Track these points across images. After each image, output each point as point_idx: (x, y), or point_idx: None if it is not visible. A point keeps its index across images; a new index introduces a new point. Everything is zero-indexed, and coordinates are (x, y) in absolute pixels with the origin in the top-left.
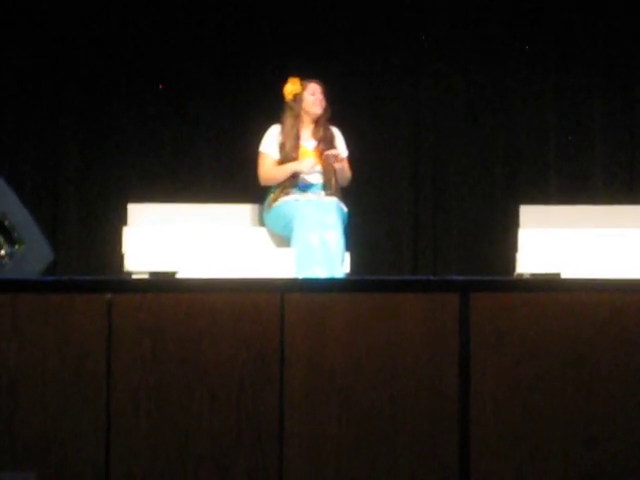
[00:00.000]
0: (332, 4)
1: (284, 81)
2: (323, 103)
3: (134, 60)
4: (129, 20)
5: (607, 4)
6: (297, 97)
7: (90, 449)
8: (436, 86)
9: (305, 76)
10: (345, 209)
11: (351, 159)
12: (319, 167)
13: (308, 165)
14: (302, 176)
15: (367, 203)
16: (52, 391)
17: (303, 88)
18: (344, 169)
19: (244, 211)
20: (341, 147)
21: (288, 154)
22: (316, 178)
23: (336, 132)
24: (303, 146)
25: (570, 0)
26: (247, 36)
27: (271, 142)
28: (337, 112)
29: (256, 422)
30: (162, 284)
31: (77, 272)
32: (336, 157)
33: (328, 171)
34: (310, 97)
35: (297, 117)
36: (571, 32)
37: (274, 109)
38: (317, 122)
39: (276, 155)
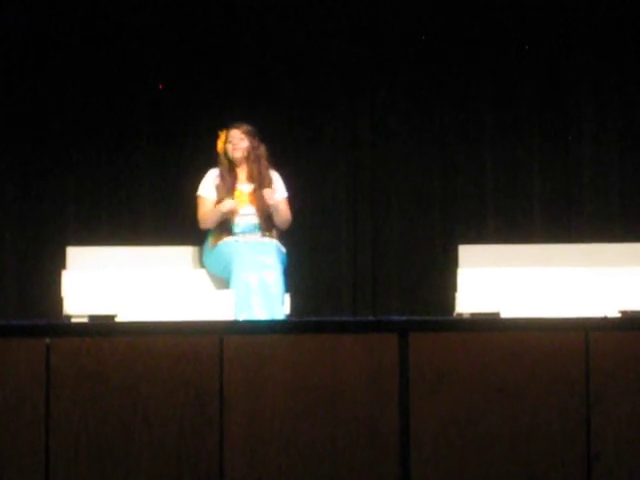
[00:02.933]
0: (263, 50)
1: (221, 126)
2: (242, 145)
3: (70, 102)
4: (63, 64)
5: (545, 41)
6: (224, 149)
7: None
8: (374, 128)
9: (232, 124)
10: (284, 250)
11: (291, 201)
12: (253, 209)
13: (229, 205)
14: (238, 217)
15: (306, 244)
16: None
17: (226, 139)
18: (282, 210)
19: (183, 253)
20: (280, 189)
21: (224, 198)
22: (252, 219)
23: (275, 175)
24: (239, 189)
25: (507, 38)
26: (186, 82)
27: (208, 185)
28: (275, 154)
29: (196, 465)
30: (101, 328)
31: (15, 316)
32: (269, 195)
33: (262, 211)
34: (229, 145)
35: (228, 167)
36: (507, 70)
37: (212, 153)
38: (248, 163)
39: (214, 197)
